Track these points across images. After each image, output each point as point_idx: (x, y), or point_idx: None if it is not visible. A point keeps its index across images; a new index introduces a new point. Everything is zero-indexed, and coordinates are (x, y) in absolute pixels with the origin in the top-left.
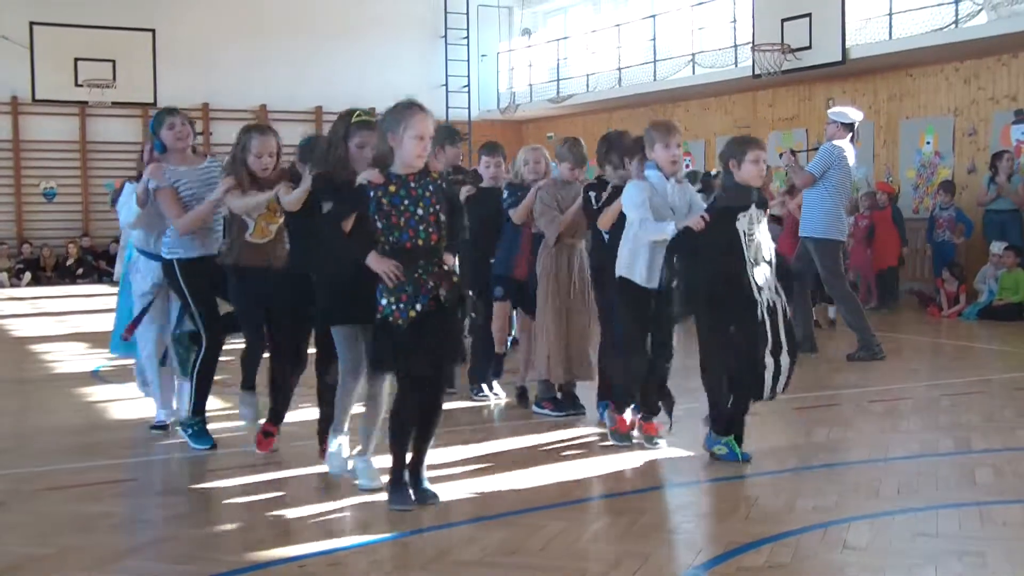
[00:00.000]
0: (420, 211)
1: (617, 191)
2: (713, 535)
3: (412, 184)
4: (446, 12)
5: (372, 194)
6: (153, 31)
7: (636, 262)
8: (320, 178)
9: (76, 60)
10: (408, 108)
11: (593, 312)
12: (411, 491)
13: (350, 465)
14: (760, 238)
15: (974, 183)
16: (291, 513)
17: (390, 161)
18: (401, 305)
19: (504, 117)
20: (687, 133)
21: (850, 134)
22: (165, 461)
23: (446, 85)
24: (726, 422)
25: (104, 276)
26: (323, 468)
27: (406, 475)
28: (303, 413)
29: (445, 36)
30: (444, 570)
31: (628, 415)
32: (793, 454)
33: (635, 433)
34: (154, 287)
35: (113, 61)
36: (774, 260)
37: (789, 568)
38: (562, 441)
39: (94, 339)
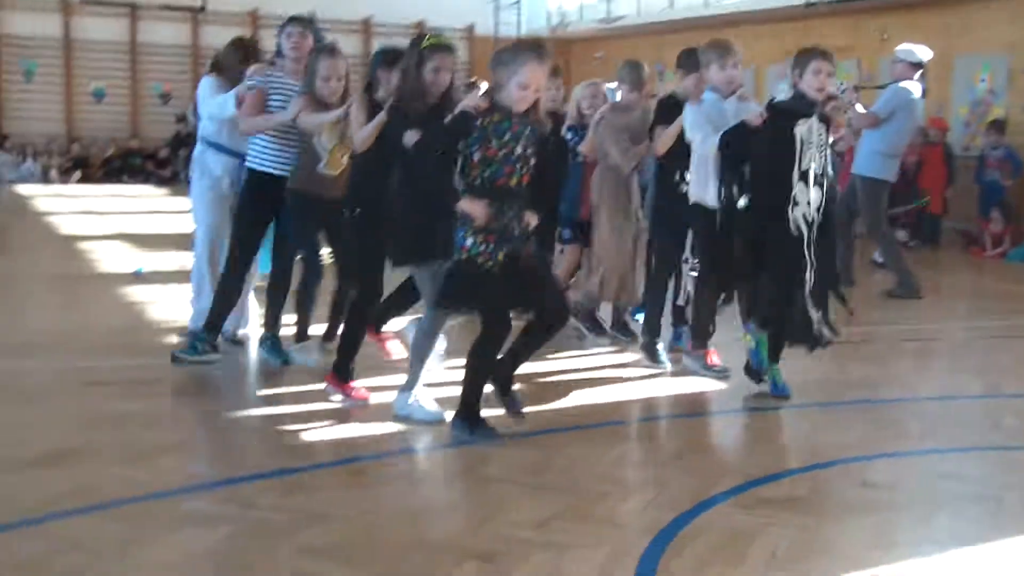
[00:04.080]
0: (519, 150)
1: (667, 108)
2: (735, 465)
3: (515, 120)
4: None
5: (477, 122)
6: None
7: (708, 185)
8: (395, 110)
9: None
10: (522, 53)
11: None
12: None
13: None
14: (816, 153)
15: None
16: (317, 424)
17: (497, 93)
18: (490, 247)
19: (553, 35)
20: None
21: (919, 72)
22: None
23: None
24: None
25: (151, 177)
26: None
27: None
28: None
29: None
30: (465, 485)
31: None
32: (822, 389)
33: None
34: (220, 179)
35: None
36: (826, 185)
37: (807, 501)
38: (602, 366)
39: (137, 240)
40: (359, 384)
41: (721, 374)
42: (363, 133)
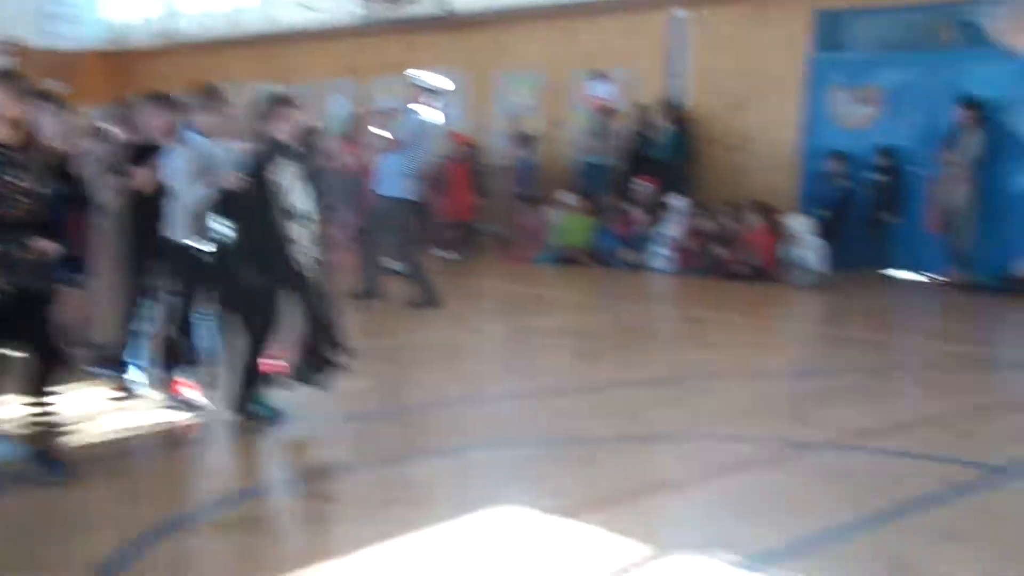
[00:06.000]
0: (25, 183)
1: (137, 149)
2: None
3: (12, 153)
4: None
5: None
6: None
7: (181, 223)
8: None
9: None
10: None
11: None
12: None
13: None
14: (295, 190)
15: (560, 136)
16: None
17: None
18: None
19: (114, 48)
20: (297, 75)
21: (432, 97)
22: None
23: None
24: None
25: None
26: None
27: None
28: None
29: None
30: None
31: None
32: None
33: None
34: None
35: None
36: (308, 210)
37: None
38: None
39: None
40: None
41: (185, 405)
42: None
